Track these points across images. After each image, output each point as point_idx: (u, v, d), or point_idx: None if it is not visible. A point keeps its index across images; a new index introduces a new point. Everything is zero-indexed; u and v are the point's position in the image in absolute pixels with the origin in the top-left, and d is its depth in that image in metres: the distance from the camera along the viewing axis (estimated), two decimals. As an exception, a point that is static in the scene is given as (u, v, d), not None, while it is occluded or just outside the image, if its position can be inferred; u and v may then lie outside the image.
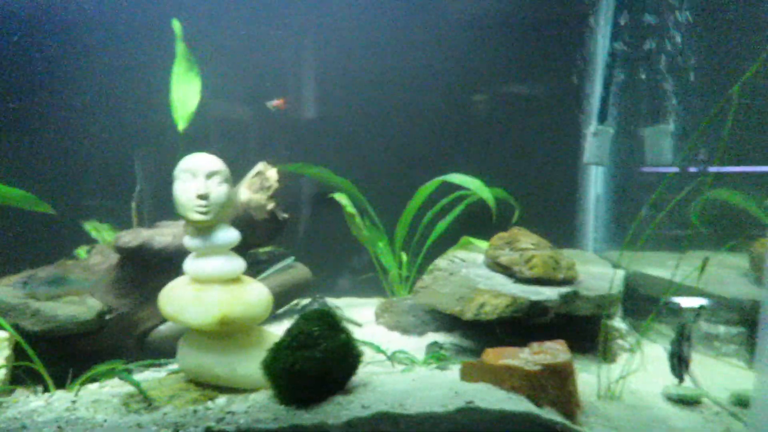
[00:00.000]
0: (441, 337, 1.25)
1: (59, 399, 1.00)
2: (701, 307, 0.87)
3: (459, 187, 1.47)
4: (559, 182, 1.60)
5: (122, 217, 1.55)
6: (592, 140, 1.34)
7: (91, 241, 1.57)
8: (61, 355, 1.10)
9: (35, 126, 1.45)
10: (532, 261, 1.12)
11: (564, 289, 1.07)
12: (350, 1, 1.60)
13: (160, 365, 1.12)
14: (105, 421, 0.89)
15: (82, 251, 1.52)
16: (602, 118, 1.34)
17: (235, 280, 0.93)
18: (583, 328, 1.11)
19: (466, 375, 0.87)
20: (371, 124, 1.68)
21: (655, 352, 1.10)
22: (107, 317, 1.25)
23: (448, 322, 1.28)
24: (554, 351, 0.85)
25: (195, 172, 0.88)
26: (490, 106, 1.66)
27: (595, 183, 1.59)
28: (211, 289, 0.91)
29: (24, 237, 1.45)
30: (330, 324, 0.86)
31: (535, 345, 0.88)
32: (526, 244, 1.17)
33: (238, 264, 0.93)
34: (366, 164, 1.65)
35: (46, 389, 1.06)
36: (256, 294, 0.93)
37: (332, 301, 1.49)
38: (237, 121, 1.56)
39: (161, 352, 1.22)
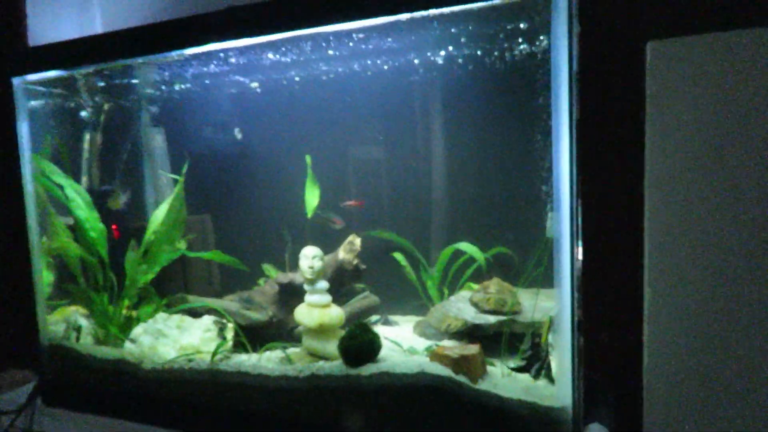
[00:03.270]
0: (449, 342, 2.12)
1: (253, 357, 2.10)
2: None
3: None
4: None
5: (281, 262, 2.71)
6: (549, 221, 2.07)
7: (265, 276, 2.77)
8: (254, 337, 2.25)
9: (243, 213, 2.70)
10: (489, 300, 1.95)
11: (502, 318, 1.88)
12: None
13: (297, 346, 2.20)
14: (272, 367, 1.97)
15: (261, 281, 2.72)
16: None
17: (325, 305, 1.96)
18: (520, 340, 1.90)
19: (431, 359, 1.75)
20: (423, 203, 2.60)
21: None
22: (274, 320, 2.38)
23: (455, 334, 2.14)
24: (470, 349, 1.69)
25: (307, 255, 1.94)
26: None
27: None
28: (316, 309, 1.96)
29: (235, 273, 2.68)
30: (365, 329, 1.81)
31: (464, 346, 1.73)
32: (493, 289, 1.99)
33: (328, 298, 1.94)
34: (420, 228, 2.58)
35: (247, 352, 2.21)
36: (336, 313, 1.93)
37: (393, 318, 2.45)
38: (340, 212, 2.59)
39: (299, 340, 2.31)
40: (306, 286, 1.97)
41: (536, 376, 1.69)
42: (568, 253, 1.51)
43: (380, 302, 2.36)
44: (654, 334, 1.47)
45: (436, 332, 2.07)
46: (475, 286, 2.16)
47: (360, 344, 1.75)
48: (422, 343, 2.03)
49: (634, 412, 1.53)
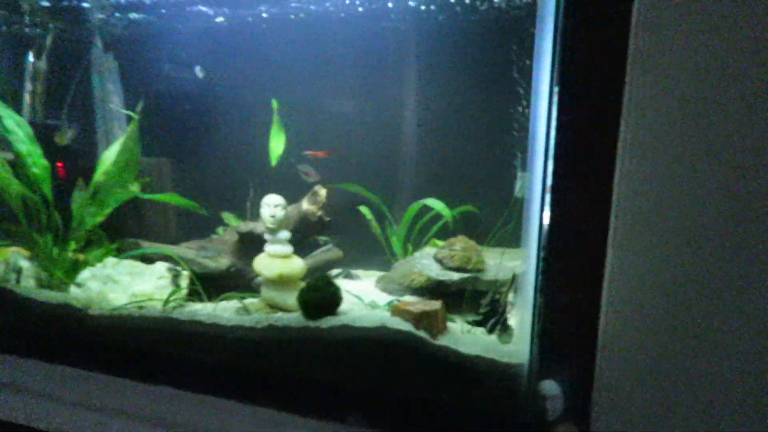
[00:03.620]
0: (411, 298, 2.10)
1: (208, 306, 2.03)
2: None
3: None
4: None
5: (242, 210, 2.61)
6: (519, 181, 2.04)
7: (225, 225, 2.66)
8: (211, 287, 2.17)
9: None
10: (454, 257, 1.93)
11: (466, 275, 1.87)
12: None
13: (255, 297, 2.14)
14: (227, 317, 1.91)
15: (220, 230, 2.62)
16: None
17: (287, 256, 1.89)
18: (483, 298, 1.89)
19: (392, 313, 1.72)
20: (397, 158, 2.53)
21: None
22: (232, 269, 2.30)
23: (418, 289, 2.12)
24: (432, 305, 1.67)
25: (269, 204, 1.84)
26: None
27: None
28: (276, 260, 1.88)
29: (192, 220, 2.57)
30: (326, 281, 1.76)
31: (426, 302, 1.71)
32: (458, 246, 1.97)
33: (289, 249, 1.87)
34: (387, 182, 2.52)
35: (202, 301, 2.14)
36: (297, 265, 1.87)
37: (355, 272, 2.41)
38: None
39: (258, 290, 2.25)
40: (267, 236, 1.89)
41: (491, 331, 1.68)
42: (537, 213, 1.48)
43: (343, 256, 2.31)
44: (613, 297, 1.47)
45: (399, 287, 2.04)
46: (441, 243, 2.13)
47: (320, 297, 1.70)
48: (384, 298, 2.00)
49: (587, 371, 1.55)
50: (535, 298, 1.49)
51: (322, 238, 2.39)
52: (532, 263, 1.52)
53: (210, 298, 2.03)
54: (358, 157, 2.46)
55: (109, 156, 2.19)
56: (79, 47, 2.35)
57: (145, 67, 2.39)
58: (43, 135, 2.09)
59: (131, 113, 2.10)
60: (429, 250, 2.09)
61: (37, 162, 2.03)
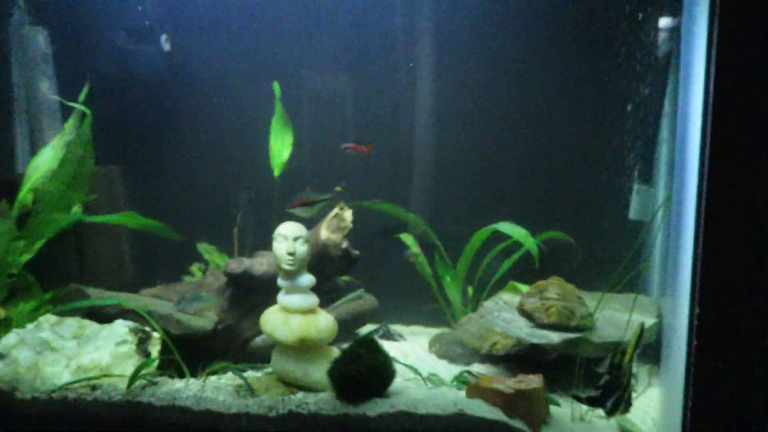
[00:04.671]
0: (482, 368, 2.02)
1: (193, 384, 1.92)
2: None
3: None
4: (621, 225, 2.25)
5: (226, 239, 2.54)
6: (635, 197, 1.99)
7: (202, 259, 2.59)
8: (188, 352, 2.08)
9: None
10: (550, 310, 1.86)
11: (570, 335, 1.80)
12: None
13: (257, 368, 2.04)
14: (224, 400, 1.83)
15: (195, 268, 2.54)
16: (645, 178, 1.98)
17: (311, 310, 1.82)
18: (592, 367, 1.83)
19: (469, 393, 1.65)
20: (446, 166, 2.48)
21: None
22: (219, 327, 2.23)
23: (491, 355, 2.05)
24: (530, 381, 1.60)
25: (286, 236, 1.77)
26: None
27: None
28: (295, 316, 1.81)
29: (153, 253, 2.49)
30: (373, 348, 1.69)
31: (520, 376, 1.64)
32: (552, 294, 1.91)
33: (313, 300, 1.80)
34: (438, 202, 2.46)
35: (181, 375, 2.04)
36: (325, 322, 1.80)
37: (395, 328, 2.34)
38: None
39: (257, 357, 2.08)
40: (281, 281, 1.81)
41: (612, 411, 1.60)
42: (689, 249, 1.41)
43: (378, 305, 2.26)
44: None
45: (465, 352, 1.98)
46: (523, 287, 2.07)
47: (364, 370, 1.63)
48: (446, 368, 1.94)
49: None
50: (688, 371, 1.43)
51: (344, 279, 2.32)
52: (680, 320, 1.46)
53: (193, 372, 1.95)
54: (393, 167, 2.41)
55: (39, 165, 2.12)
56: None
57: (89, 38, 2.33)
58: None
59: (76, 105, 2.03)
60: (507, 298, 2.03)
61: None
